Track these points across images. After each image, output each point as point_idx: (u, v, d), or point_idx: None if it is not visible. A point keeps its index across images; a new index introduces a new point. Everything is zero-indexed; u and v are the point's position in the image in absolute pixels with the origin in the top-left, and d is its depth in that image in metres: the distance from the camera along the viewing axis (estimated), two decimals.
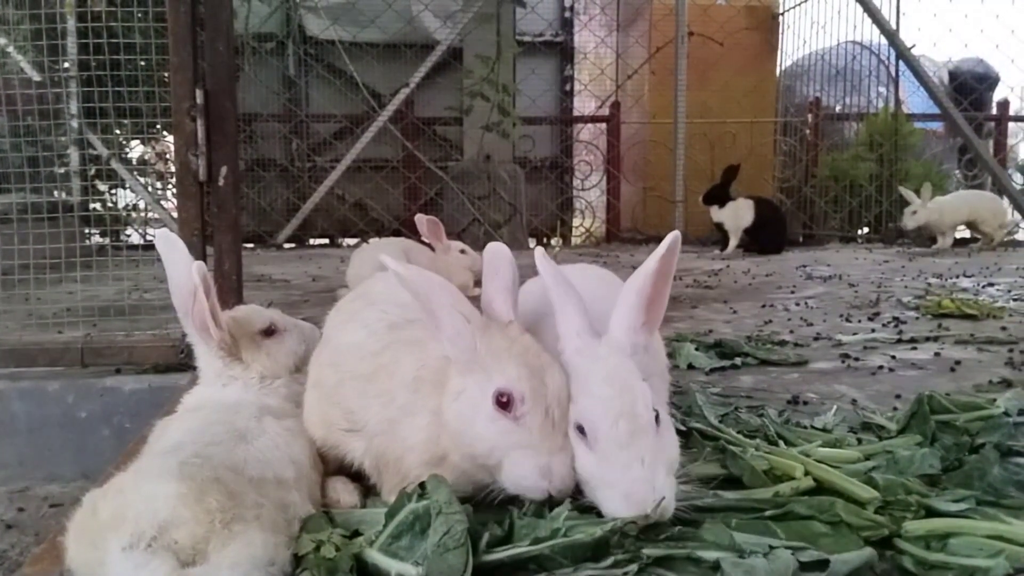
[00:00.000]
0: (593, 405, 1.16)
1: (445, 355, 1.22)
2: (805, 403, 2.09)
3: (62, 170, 4.66)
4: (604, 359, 1.21)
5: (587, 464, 1.15)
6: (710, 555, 1.07)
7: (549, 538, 1.05)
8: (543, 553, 1.04)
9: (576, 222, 9.17)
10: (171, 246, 1.60)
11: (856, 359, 2.64)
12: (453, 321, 1.19)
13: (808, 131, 8.91)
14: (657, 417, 1.17)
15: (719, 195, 6.71)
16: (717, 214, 6.77)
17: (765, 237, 6.74)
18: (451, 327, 1.19)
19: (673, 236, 1.23)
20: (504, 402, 1.14)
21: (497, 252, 1.30)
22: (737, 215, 6.70)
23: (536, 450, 1.14)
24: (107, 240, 4.75)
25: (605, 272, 1.70)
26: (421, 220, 4.01)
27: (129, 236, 5.89)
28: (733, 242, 6.75)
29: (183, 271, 1.55)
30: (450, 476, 1.19)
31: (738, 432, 1.64)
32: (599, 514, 1.14)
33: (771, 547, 1.09)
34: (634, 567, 1.04)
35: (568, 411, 1.18)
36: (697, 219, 7.76)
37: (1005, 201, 7.41)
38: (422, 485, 1.15)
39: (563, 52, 9.37)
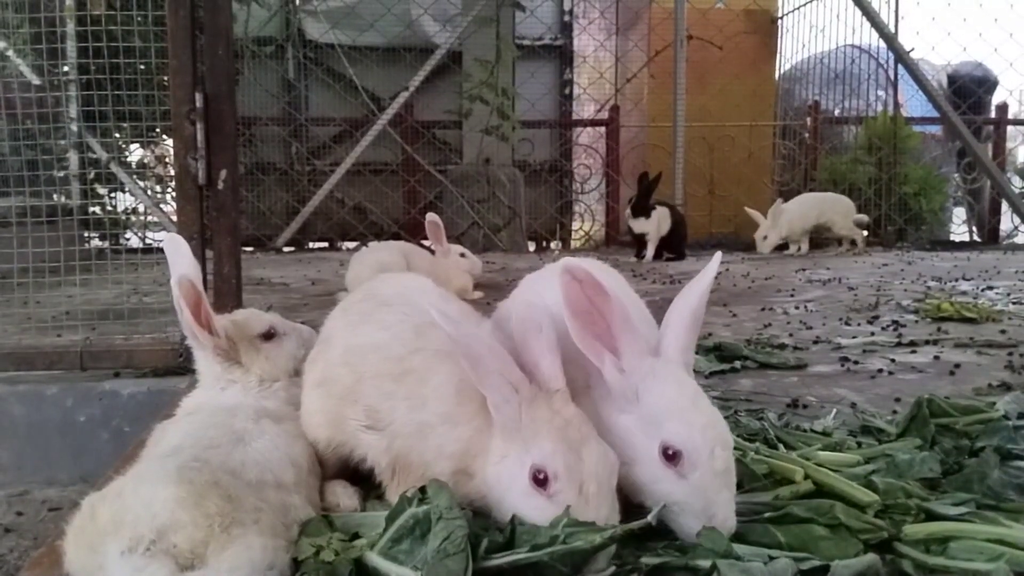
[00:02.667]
0: (691, 433, 1.14)
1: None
2: (805, 406, 2.09)
3: (61, 173, 4.66)
4: (685, 383, 1.19)
5: (676, 491, 1.14)
6: (707, 563, 1.07)
7: (548, 545, 1.05)
8: (542, 560, 1.04)
9: (575, 225, 9.17)
10: (176, 249, 1.61)
11: (855, 362, 2.64)
12: (501, 389, 1.17)
13: (807, 134, 8.92)
14: None
15: (646, 206, 6.56)
16: (643, 225, 6.56)
17: (676, 242, 6.68)
18: (498, 395, 1.17)
19: (719, 256, 1.27)
20: (540, 479, 1.13)
21: (536, 307, 1.23)
22: (660, 224, 6.61)
23: None
24: (106, 244, 4.76)
25: (609, 267, 1.72)
26: (430, 219, 4.03)
27: (128, 240, 5.88)
28: (651, 249, 6.63)
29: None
30: (469, 493, 1.21)
31: (738, 435, 1.63)
32: None
33: (771, 557, 1.09)
34: (633, 572, 1.04)
35: (607, 481, 1.15)
36: (695, 222, 7.77)
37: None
38: (423, 489, 1.15)
39: (562, 56, 9.38)
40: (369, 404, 1.32)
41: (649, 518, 1.10)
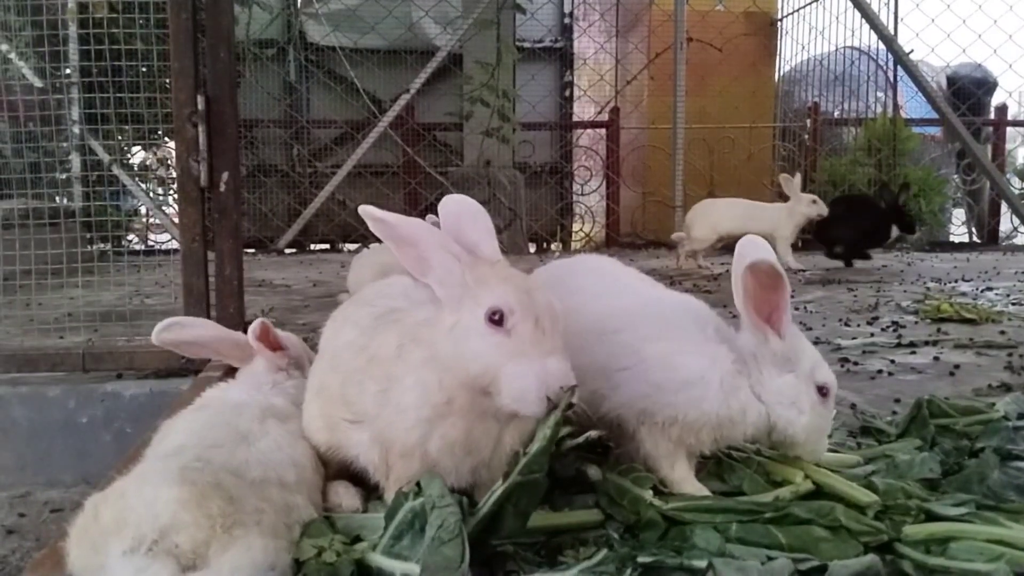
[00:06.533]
0: (831, 374, 1.39)
1: (423, 318, 1.26)
2: None
3: (64, 176, 4.67)
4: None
5: (825, 419, 1.38)
6: (703, 562, 1.07)
7: (514, 465, 1.09)
8: (517, 482, 1.08)
9: (576, 227, 9.17)
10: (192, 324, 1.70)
11: (855, 363, 2.65)
12: (443, 260, 1.23)
13: (807, 136, 8.92)
14: None
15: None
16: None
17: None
18: (441, 266, 1.23)
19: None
20: (496, 319, 1.16)
21: (465, 201, 1.34)
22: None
23: (529, 357, 1.15)
24: (108, 246, 4.76)
25: (617, 261, 1.82)
26: (431, 222, 4.01)
27: (131, 242, 5.89)
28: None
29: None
30: (459, 429, 1.20)
31: None
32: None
33: (769, 558, 1.09)
34: (628, 571, 1.05)
35: (558, 319, 1.21)
36: None
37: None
38: (419, 484, 1.15)
39: (563, 58, 9.39)
40: (348, 400, 1.34)
41: (573, 398, 1.16)
